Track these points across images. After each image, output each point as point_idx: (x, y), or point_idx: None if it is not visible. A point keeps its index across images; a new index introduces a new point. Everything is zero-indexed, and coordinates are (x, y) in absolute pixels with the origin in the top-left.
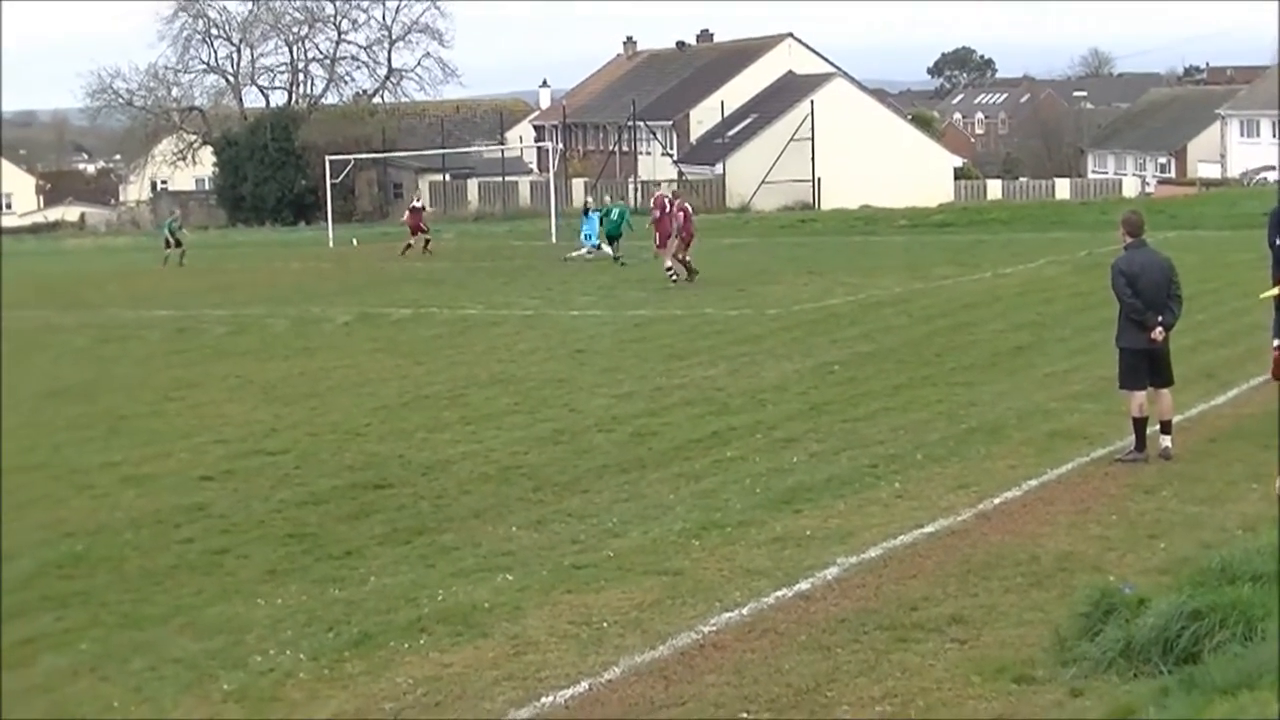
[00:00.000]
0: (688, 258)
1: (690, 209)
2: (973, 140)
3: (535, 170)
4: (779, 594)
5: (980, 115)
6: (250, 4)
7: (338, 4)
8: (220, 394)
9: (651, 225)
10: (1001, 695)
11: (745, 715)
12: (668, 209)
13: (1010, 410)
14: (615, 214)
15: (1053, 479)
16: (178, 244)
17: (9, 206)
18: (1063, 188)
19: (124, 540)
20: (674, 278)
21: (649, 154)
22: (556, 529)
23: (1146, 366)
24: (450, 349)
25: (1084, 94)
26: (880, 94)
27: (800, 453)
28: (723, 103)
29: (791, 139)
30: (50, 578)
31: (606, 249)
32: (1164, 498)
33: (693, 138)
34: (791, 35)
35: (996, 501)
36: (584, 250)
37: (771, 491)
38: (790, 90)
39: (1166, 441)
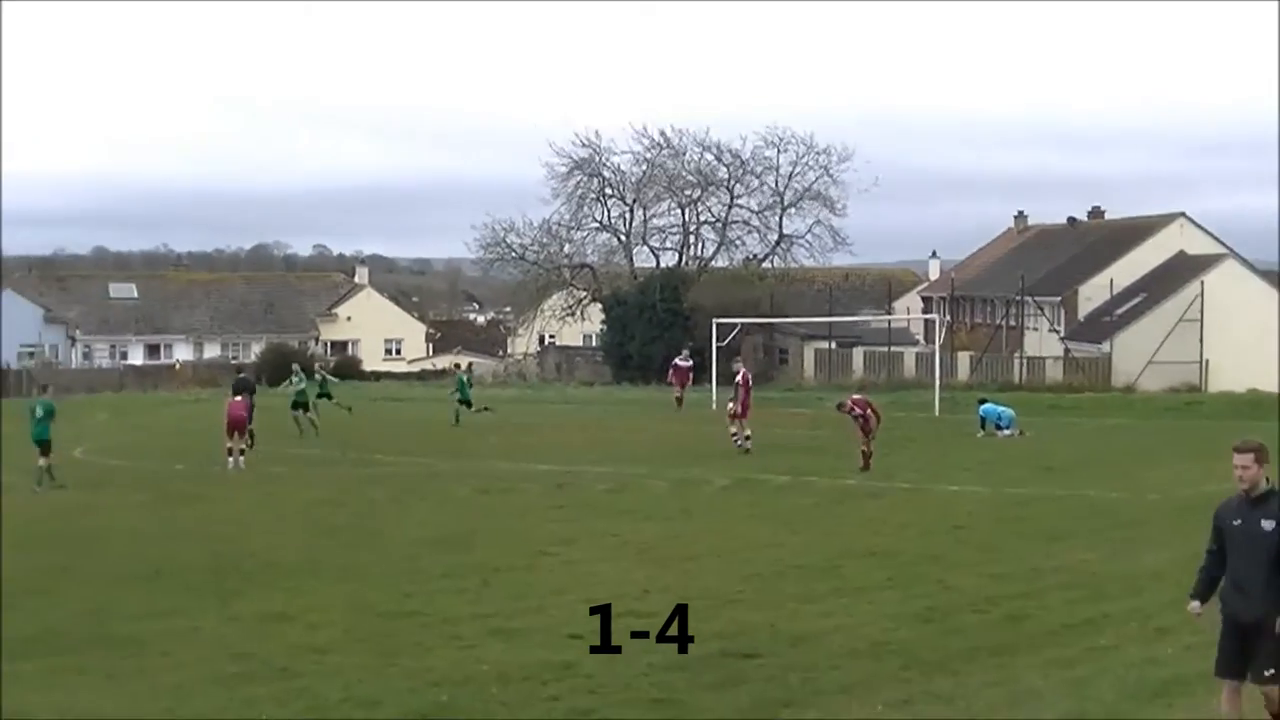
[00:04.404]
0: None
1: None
2: None
3: (921, 341)
4: None
5: None
6: (644, 166)
7: (731, 169)
8: (596, 552)
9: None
10: None
11: None
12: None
13: None
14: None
15: None
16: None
17: (399, 352)
18: None
19: (490, 694)
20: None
21: (1035, 330)
22: (922, 709)
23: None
24: (828, 519)
25: None
26: (1273, 276)
27: (1175, 644)
28: (1112, 280)
29: (1180, 319)
30: None
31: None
32: None
33: (1080, 314)
34: (1184, 215)
35: None
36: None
37: (1145, 683)
38: (1181, 270)
39: None
